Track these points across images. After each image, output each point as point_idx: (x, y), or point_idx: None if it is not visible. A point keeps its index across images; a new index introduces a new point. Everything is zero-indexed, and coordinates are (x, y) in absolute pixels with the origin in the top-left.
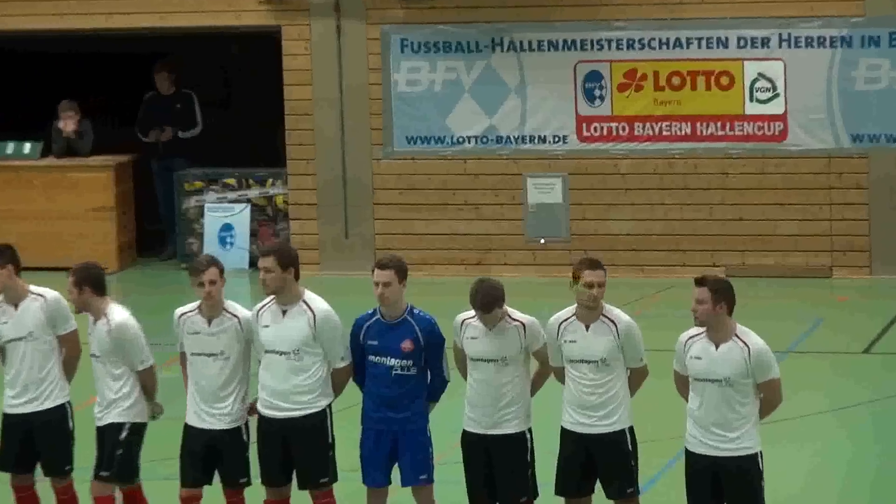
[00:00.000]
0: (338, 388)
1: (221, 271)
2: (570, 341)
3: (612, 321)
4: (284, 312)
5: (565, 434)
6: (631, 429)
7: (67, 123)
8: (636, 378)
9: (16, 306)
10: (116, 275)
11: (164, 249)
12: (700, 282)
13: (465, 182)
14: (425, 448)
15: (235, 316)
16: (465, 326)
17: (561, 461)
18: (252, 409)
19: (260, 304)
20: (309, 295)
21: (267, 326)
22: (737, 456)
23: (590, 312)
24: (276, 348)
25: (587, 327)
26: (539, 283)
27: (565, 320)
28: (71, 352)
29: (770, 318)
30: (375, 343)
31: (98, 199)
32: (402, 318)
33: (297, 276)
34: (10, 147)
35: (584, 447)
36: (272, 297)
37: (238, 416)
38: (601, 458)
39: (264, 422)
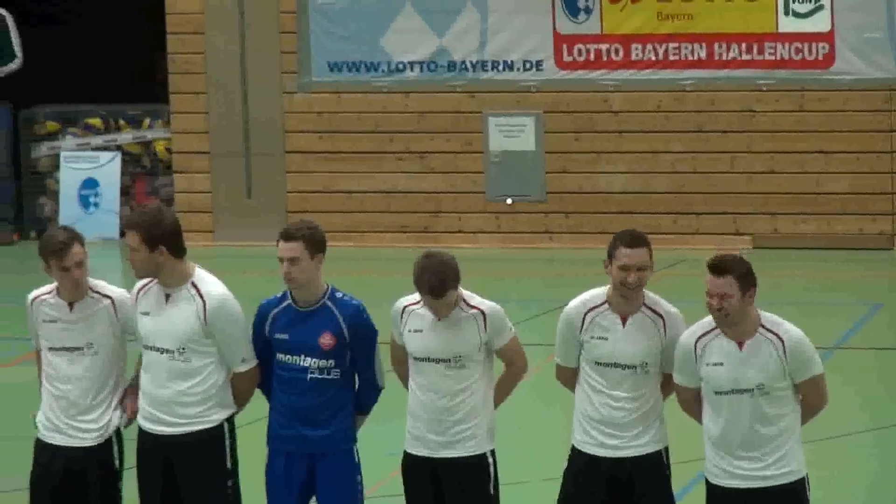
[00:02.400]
0: (241, 398)
1: (83, 245)
2: (600, 338)
3: (659, 315)
4: (168, 297)
5: (579, 456)
6: (666, 450)
7: None
8: (670, 389)
9: None
10: None
11: None
12: (719, 269)
13: (407, 123)
14: (352, 476)
15: (107, 297)
16: (406, 315)
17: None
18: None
19: (141, 283)
20: (200, 275)
21: (146, 314)
22: (779, 485)
23: (626, 301)
24: (156, 344)
25: (623, 321)
26: (505, 256)
27: (595, 307)
28: None
29: (811, 304)
30: (285, 337)
31: None
32: (319, 305)
33: (177, 252)
34: None
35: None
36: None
37: (109, 431)
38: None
39: (144, 438)
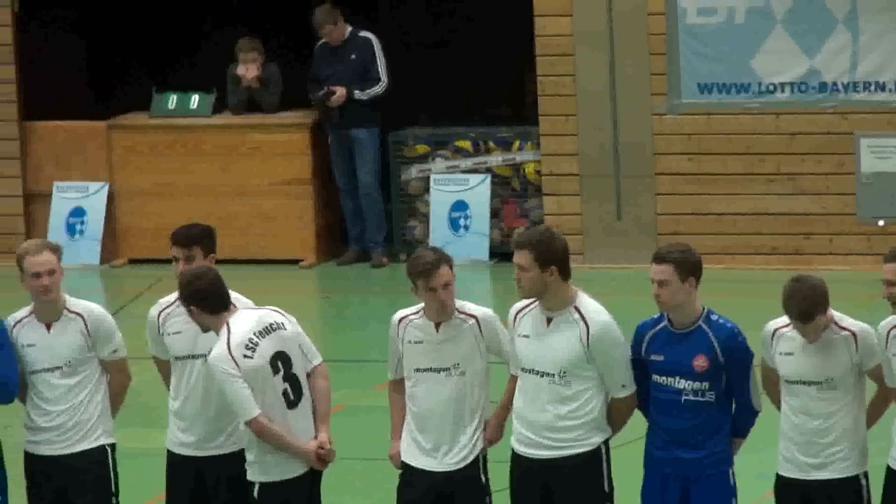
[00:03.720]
0: (618, 422)
1: (452, 267)
2: None
3: None
4: (549, 321)
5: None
6: None
7: (249, 68)
8: None
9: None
10: (315, 269)
11: (345, 250)
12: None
13: (778, 144)
14: (727, 499)
15: (472, 316)
16: (777, 338)
17: None
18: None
19: (521, 305)
20: (583, 300)
21: (526, 336)
22: None
23: None
24: (537, 367)
25: None
26: (877, 278)
27: None
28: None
29: None
30: (661, 358)
31: (290, 168)
32: (694, 327)
33: (565, 275)
34: (173, 100)
35: None
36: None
37: (477, 451)
38: None
39: (519, 463)
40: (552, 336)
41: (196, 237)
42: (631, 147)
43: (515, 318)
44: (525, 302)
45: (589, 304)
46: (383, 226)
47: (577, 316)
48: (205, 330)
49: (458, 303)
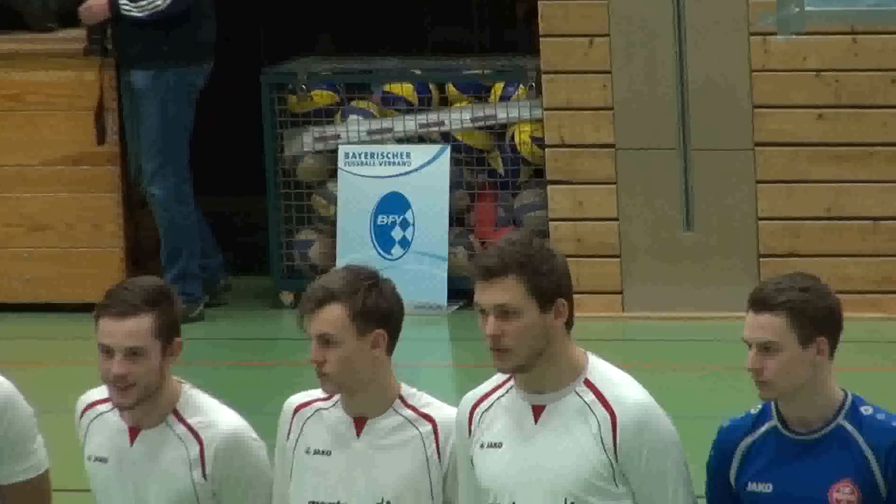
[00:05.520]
0: None
1: (360, 313)
2: None
3: None
4: (539, 412)
5: None
6: None
7: None
8: None
9: None
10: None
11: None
12: None
13: None
14: None
15: (427, 419)
16: None
17: None
18: None
19: (477, 395)
20: (597, 367)
21: (497, 446)
22: None
23: None
24: (520, 499)
25: None
26: None
27: None
28: None
29: None
30: (769, 490)
31: (79, 135)
32: (830, 429)
33: (570, 322)
34: None
35: None
36: (509, 375)
37: None
38: None
39: None
40: (548, 438)
41: None
42: (710, 96)
43: (471, 417)
44: (486, 388)
45: (610, 373)
46: (180, 253)
47: (591, 397)
48: (135, 403)
49: (408, 390)
